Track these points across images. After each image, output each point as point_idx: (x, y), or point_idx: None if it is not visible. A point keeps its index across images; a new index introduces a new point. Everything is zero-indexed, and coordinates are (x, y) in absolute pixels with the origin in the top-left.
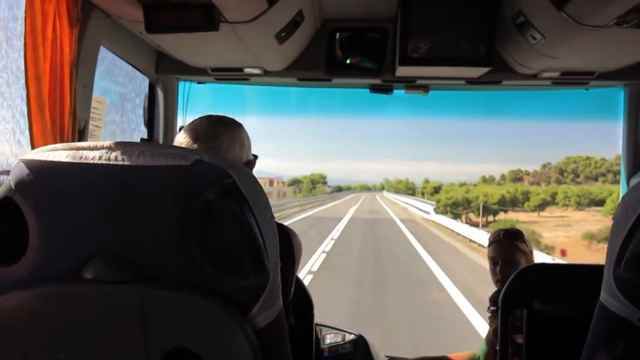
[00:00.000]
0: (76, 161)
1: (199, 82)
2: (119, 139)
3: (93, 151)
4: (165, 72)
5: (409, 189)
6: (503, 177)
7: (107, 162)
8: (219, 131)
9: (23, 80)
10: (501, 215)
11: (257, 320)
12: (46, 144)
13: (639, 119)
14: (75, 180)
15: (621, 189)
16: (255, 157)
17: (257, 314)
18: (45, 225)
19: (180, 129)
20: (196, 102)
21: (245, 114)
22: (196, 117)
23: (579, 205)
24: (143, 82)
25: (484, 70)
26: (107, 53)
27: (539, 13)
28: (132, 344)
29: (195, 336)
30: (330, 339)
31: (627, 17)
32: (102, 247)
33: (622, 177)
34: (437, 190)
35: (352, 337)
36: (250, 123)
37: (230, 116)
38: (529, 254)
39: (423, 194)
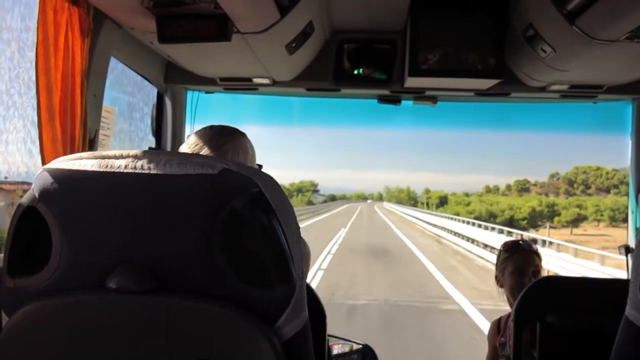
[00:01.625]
0: (102, 170)
1: (207, 92)
2: (126, 148)
3: (119, 160)
4: (173, 81)
5: (412, 199)
6: (508, 187)
7: (133, 171)
8: (223, 140)
9: (34, 90)
10: (533, 233)
11: (283, 331)
12: (56, 153)
13: None
14: (100, 189)
15: (630, 204)
16: (260, 166)
17: (284, 324)
18: (69, 235)
19: (190, 135)
20: (204, 112)
21: (248, 123)
22: (204, 126)
23: (614, 221)
24: (151, 92)
25: (493, 82)
26: (117, 63)
27: (549, 26)
28: (155, 354)
29: (221, 347)
30: (338, 349)
31: (638, 32)
32: (126, 256)
33: (631, 192)
34: (443, 200)
35: (359, 347)
36: (252, 132)
37: (235, 126)
38: (540, 265)
39: (427, 204)
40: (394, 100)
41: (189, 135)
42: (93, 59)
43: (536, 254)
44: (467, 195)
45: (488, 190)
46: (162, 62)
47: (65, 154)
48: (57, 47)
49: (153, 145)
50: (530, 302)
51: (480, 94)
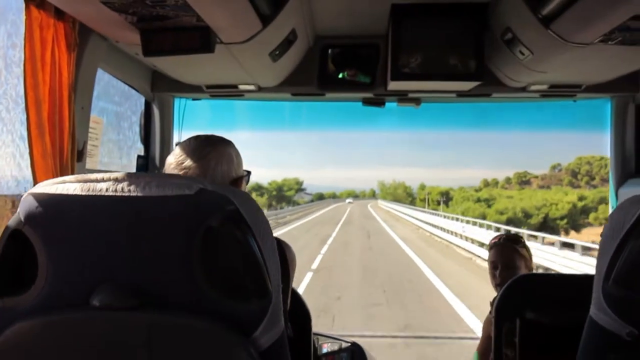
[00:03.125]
0: (84, 193)
1: (194, 99)
2: (115, 157)
3: (100, 183)
4: (160, 90)
5: (409, 195)
6: (508, 180)
7: (114, 194)
8: (207, 150)
9: (22, 105)
10: (574, 235)
11: (260, 341)
12: (47, 167)
13: (626, 130)
14: (83, 212)
15: (610, 199)
16: (248, 172)
17: (261, 335)
18: (54, 256)
19: (177, 145)
20: (192, 118)
21: (235, 127)
22: (192, 133)
23: None
24: (139, 100)
25: (474, 84)
26: (104, 74)
27: (526, 30)
28: None
29: (201, 359)
30: (327, 348)
31: (612, 35)
32: (109, 275)
33: (611, 187)
34: (446, 197)
35: (348, 345)
36: (240, 136)
37: (223, 131)
38: (529, 260)
39: (426, 201)
40: (378, 102)
41: (177, 143)
42: (80, 72)
43: (512, 248)
44: (478, 189)
45: (486, 184)
46: (148, 71)
47: (55, 167)
48: (44, 62)
49: (142, 153)
50: (510, 298)
51: (462, 95)
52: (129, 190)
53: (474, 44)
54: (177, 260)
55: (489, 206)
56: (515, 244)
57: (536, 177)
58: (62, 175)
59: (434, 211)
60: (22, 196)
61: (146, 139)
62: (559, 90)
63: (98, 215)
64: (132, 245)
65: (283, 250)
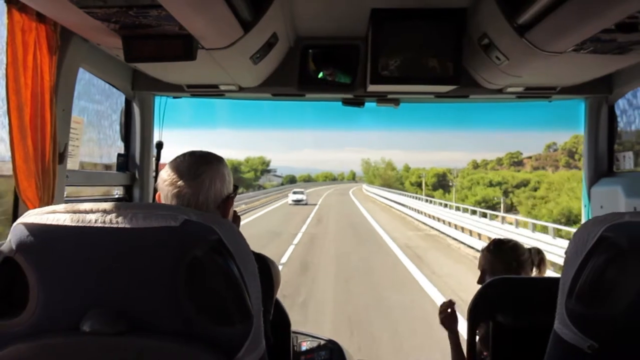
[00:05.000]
0: (74, 224)
1: (174, 97)
2: (96, 157)
3: (89, 214)
4: (141, 88)
5: (398, 180)
6: (499, 161)
7: (102, 225)
8: (201, 170)
9: (4, 109)
10: None
11: None
12: (28, 170)
13: (599, 130)
14: (73, 242)
15: (583, 198)
16: (236, 187)
17: (244, 356)
18: (45, 282)
19: (158, 144)
20: (173, 115)
21: (216, 111)
22: (172, 130)
23: None
24: (119, 99)
25: (451, 87)
26: (84, 73)
27: (502, 37)
28: None
29: None
30: (306, 346)
31: (583, 45)
32: (98, 301)
33: (584, 186)
34: (443, 180)
35: (326, 342)
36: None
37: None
38: (517, 269)
39: (419, 185)
40: (357, 103)
41: (158, 142)
42: (61, 74)
43: (495, 256)
44: (488, 166)
45: (475, 165)
46: (129, 70)
47: (37, 170)
48: (26, 66)
49: (122, 151)
50: (482, 302)
51: (440, 96)
52: (117, 222)
53: (452, 48)
54: (163, 287)
55: (505, 192)
56: (499, 251)
57: (529, 157)
58: (43, 178)
59: (421, 197)
60: None
61: (127, 137)
62: (535, 92)
63: (87, 245)
64: (120, 273)
65: (268, 267)
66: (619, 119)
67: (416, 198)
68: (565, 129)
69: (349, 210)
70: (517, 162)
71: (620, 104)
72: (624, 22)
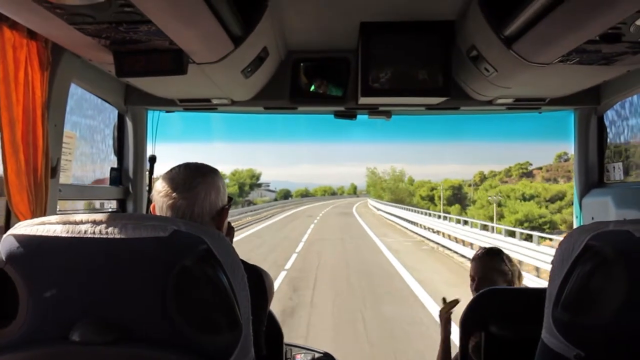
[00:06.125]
0: (64, 235)
1: (167, 111)
2: (89, 171)
3: (80, 225)
4: (134, 103)
5: (409, 194)
6: (508, 172)
7: (92, 236)
8: (196, 181)
9: None
10: None
11: None
12: (21, 184)
13: (588, 141)
14: (64, 252)
15: (574, 209)
16: (230, 199)
17: None
18: (35, 293)
19: (151, 158)
20: (165, 129)
21: (211, 127)
22: (165, 144)
23: None
24: (112, 113)
25: (442, 99)
26: (77, 88)
27: (490, 49)
28: None
29: None
30: (300, 358)
31: (570, 56)
32: (88, 311)
33: (575, 197)
34: (459, 194)
35: (320, 355)
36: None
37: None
38: (509, 274)
39: (431, 199)
40: (349, 115)
41: (151, 155)
42: (53, 90)
43: (489, 264)
44: (496, 177)
45: (483, 177)
46: (121, 85)
47: (29, 185)
48: (18, 82)
49: (115, 165)
50: (475, 312)
51: (431, 108)
52: (107, 233)
53: (441, 60)
54: (152, 297)
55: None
56: (492, 258)
57: (540, 168)
58: (36, 192)
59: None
60: None
61: (119, 151)
62: (524, 104)
63: (77, 256)
64: (110, 283)
65: (261, 278)
66: (608, 130)
67: (446, 218)
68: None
69: (366, 257)
70: (526, 174)
71: (609, 115)
72: (608, 33)
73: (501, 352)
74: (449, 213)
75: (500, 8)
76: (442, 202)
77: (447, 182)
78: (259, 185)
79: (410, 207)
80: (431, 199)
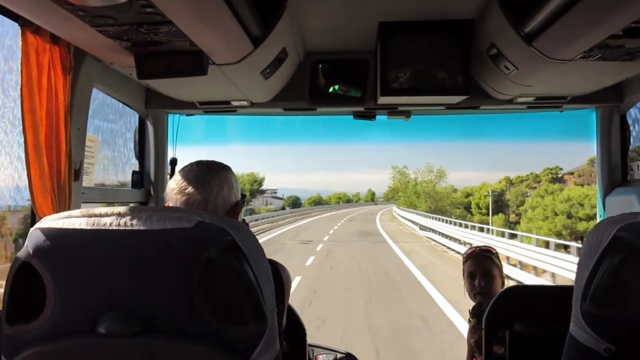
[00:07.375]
0: (89, 228)
1: (187, 115)
2: (111, 174)
3: (104, 217)
4: (154, 106)
5: (453, 202)
6: (536, 178)
7: (117, 228)
8: (209, 177)
9: (19, 128)
10: None
11: None
12: (44, 187)
13: (611, 140)
14: (89, 245)
15: (598, 208)
16: (244, 196)
17: (258, 356)
18: (62, 286)
19: (172, 161)
20: (185, 133)
21: (228, 131)
22: (186, 147)
23: None
24: (133, 117)
25: (462, 97)
26: (98, 92)
27: (510, 47)
28: None
29: None
30: (322, 359)
31: (592, 52)
32: (114, 303)
33: (598, 196)
34: (500, 201)
35: (343, 356)
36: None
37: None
38: (501, 269)
39: (468, 207)
40: (368, 116)
41: (172, 158)
42: (75, 94)
43: (489, 259)
44: (523, 184)
45: (510, 182)
46: (142, 89)
47: (52, 187)
48: (41, 86)
49: (137, 168)
50: (499, 310)
51: (451, 107)
52: (131, 225)
53: (460, 59)
54: (178, 289)
55: None
56: (490, 254)
57: (571, 173)
58: (59, 194)
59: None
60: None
61: (141, 154)
62: (545, 102)
63: (103, 248)
64: (135, 275)
65: (278, 272)
66: (631, 128)
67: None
68: None
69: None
70: (557, 179)
71: (632, 113)
72: (631, 27)
73: (526, 350)
74: (488, 224)
75: (520, 5)
76: (490, 211)
77: (485, 186)
78: (262, 192)
79: (466, 222)
80: (466, 207)
